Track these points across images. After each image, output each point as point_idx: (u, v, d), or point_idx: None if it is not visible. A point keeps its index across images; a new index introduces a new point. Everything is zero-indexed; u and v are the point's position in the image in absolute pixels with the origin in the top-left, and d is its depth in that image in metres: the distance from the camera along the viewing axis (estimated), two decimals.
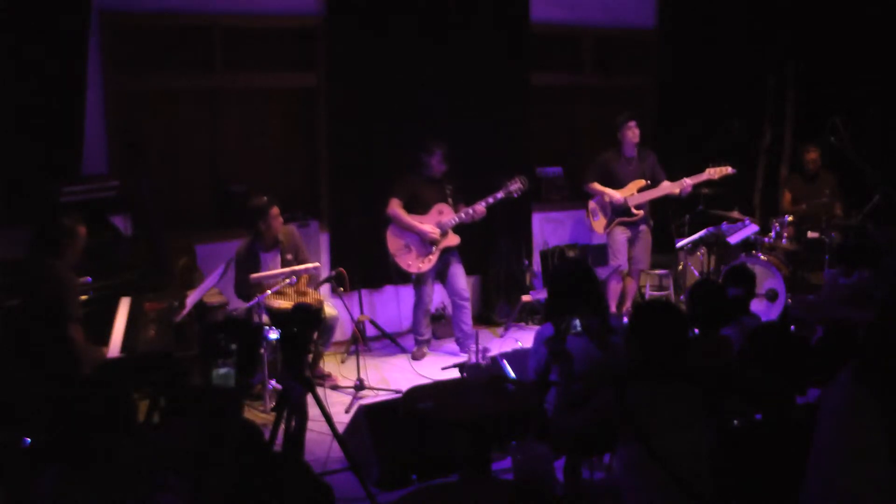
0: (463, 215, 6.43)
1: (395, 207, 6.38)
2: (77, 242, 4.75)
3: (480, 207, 6.43)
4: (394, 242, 6.44)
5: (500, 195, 6.45)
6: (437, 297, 7.33)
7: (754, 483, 3.13)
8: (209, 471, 2.63)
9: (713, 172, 6.82)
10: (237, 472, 2.58)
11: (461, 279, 6.63)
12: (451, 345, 6.87)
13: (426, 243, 6.40)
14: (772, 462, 3.12)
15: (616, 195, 6.88)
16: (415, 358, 6.65)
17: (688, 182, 6.82)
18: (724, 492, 3.07)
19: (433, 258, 6.45)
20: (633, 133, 6.88)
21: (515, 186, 6.45)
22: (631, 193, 6.90)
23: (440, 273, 6.60)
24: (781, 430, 3.21)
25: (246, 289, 5.83)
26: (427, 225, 6.38)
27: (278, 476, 2.22)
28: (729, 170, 6.83)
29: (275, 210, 5.88)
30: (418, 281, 6.60)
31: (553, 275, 4.42)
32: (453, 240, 6.50)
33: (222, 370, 2.94)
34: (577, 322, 3.81)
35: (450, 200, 6.46)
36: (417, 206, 6.43)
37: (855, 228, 7.05)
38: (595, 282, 4.27)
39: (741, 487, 3.15)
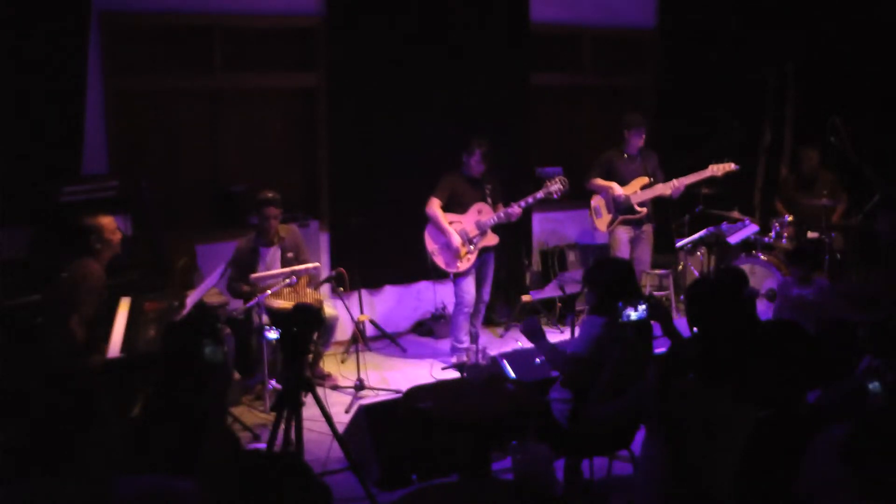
0: (502, 215, 6.35)
1: (434, 208, 6.28)
2: (107, 235, 4.83)
3: (516, 210, 6.32)
4: (431, 242, 6.35)
5: (539, 195, 6.37)
6: (438, 296, 7.33)
7: (763, 480, 3.11)
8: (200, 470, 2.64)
9: (716, 169, 6.80)
10: (234, 474, 2.58)
11: (488, 283, 6.59)
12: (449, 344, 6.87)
13: (464, 242, 6.31)
14: (779, 459, 3.09)
15: (618, 188, 6.83)
16: (454, 368, 6.40)
17: (676, 184, 6.72)
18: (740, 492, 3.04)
19: (472, 257, 6.33)
20: (639, 140, 6.85)
21: (556, 187, 6.37)
22: (634, 191, 6.88)
23: (476, 271, 6.48)
24: (789, 426, 3.18)
25: (237, 285, 5.84)
26: (458, 238, 6.25)
27: (275, 477, 2.22)
28: (732, 166, 6.79)
29: (271, 210, 5.86)
30: (457, 281, 6.41)
31: (598, 272, 4.36)
32: (492, 239, 6.42)
33: (208, 347, 2.98)
34: (641, 307, 3.79)
35: (489, 200, 6.39)
36: (456, 205, 6.33)
37: (855, 229, 7.05)
38: (635, 278, 4.27)
39: (752, 485, 3.12)
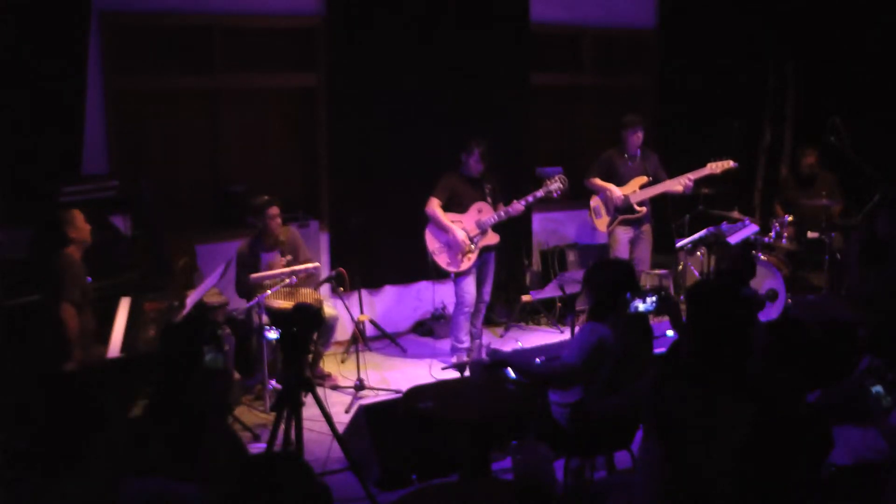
0: (503, 213, 6.35)
1: (434, 207, 6.28)
2: (78, 224, 4.97)
3: (519, 206, 6.32)
4: (432, 241, 6.34)
5: (539, 194, 6.37)
6: (438, 296, 7.33)
7: (762, 480, 3.11)
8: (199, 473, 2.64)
9: (715, 167, 6.80)
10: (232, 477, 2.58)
11: (489, 283, 6.57)
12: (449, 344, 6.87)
13: (464, 242, 6.30)
14: (779, 459, 3.09)
15: (616, 191, 6.85)
16: (454, 368, 6.39)
17: (690, 178, 6.79)
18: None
19: (473, 256, 6.32)
20: (637, 138, 6.86)
21: (556, 186, 6.37)
22: (633, 191, 6.88)
23: (477, 271, 6.47)
24: (789, 426, 3.17)
25: (245, 287, 5.84)
26: (462, 233, 6.25)
27: (275, 477, 2.22)
28: (731, 164, 6.80)
29: (273, 210, 5.87)
30: (458, 281, 6.40)
31: (597, 274, 4.30)
32: (492, 238, 6.41)
33: (209, 354, 2.99)
34: (651, 299, 3.76)
35: (489, 199, 6.38)
36: (456, 204, 6.33)
37: (855, 229, 7.04)
38: (636, 279, 4.24)
39: (751, 485, 3.11)
